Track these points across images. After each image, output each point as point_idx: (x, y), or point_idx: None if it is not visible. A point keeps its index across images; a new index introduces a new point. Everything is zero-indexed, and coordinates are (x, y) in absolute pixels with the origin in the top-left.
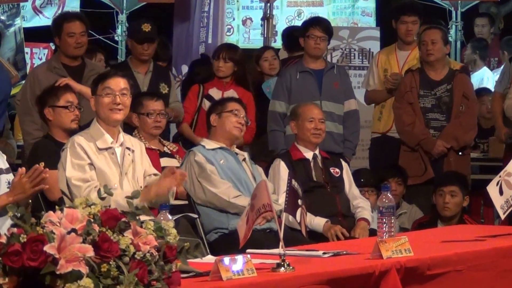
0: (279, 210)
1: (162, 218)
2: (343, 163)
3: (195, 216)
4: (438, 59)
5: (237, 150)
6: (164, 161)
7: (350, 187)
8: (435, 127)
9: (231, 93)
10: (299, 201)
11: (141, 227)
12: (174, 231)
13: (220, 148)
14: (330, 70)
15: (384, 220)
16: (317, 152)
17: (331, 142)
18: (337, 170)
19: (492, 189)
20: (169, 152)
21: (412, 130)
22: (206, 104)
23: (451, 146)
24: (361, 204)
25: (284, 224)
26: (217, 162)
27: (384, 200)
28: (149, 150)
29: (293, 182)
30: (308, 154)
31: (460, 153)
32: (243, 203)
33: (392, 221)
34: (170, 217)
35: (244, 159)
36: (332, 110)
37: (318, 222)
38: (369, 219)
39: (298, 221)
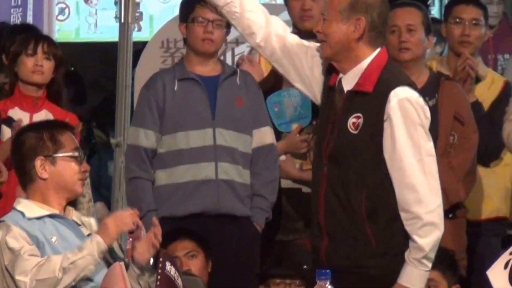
0: None
1: None
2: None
3: None
4: (416, 58)
5: (78, 216)
6: None
7: None
8: None
9: (44, 115)
10: None
11: None
12: None
13: (49, 216)
14: (230, 77)
15: None
16: None
17: (230, 197)
18: None
19: (496, 275)
20: None
21: None
22: (6, 134)
23: None
24: None
25: None
26: (47, 240)
27: None
28: None
29: (168, 266)
30: None
31: (450, 215)
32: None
33: None
34: None
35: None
36: (232, 145)
37: None
38: None
39: None
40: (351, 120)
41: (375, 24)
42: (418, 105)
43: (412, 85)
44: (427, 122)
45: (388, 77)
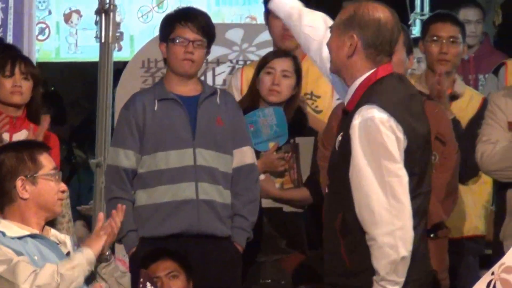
0: None
1: None
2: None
3: None
4: None
5: (55, 235)
6: None
7: None
8: None
9: (23, 135)
10: None
11: None
12: None
13: (30, 236)
14: (210, 97)
15: None
16: None
17: (211, 217)
18: None
19: None
20: None
21: None
22: None
23: None
24: None
25: None
26: (31, 258)
27: None
28: None
29: (148, 286)
30: None
31: (431, 235)
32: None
33: None
34: None
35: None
36: (212, 165)
37: None
38: None
39: None
40: (338, 138)
41: (370, 42)
42: (384, 125)
43: (386, 106)
44: (396, 143)
45: (367, 96)
